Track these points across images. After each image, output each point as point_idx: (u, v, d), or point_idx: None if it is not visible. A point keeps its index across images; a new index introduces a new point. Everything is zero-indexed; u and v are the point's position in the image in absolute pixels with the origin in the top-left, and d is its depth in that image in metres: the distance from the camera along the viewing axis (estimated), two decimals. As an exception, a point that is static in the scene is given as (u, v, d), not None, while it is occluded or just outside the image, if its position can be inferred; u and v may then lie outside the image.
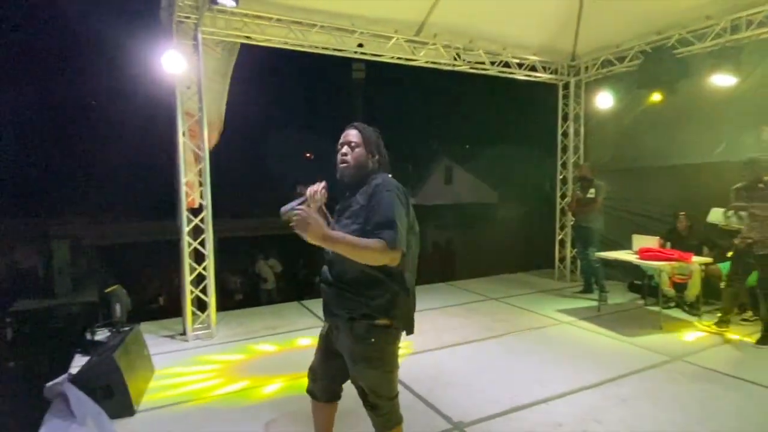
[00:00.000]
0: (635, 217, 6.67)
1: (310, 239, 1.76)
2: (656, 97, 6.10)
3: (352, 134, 2.12)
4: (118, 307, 4.50)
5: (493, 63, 6.58)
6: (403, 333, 2.10)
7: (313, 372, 2.29)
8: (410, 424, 2.99)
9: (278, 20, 5.16)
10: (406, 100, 27.79)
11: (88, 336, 4.35)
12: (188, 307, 4.82)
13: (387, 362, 2.04)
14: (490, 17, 6.04)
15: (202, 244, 4.90)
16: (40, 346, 5.57)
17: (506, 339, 4.67)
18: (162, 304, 8.93)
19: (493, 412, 3.13)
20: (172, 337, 4.90)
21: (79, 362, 3.97)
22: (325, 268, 2.11)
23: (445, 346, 4.47)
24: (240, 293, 10.89)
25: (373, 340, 1.98)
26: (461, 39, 6.25)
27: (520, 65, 6.81)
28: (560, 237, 7.48)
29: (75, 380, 3.10)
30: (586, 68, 7.15)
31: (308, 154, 23.31)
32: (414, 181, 21.25)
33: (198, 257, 4.95)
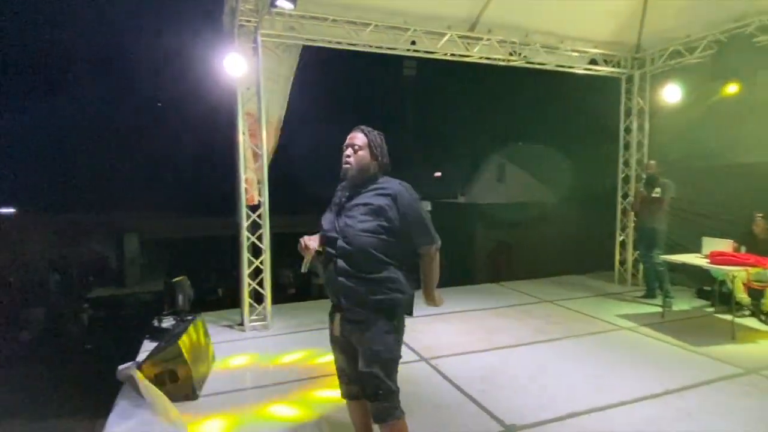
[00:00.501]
0: (703, 218, 6.23)
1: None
2: (731, 89, 5.65)
3: (356, 137, 2.23)
4: (182, 297, 4.76)
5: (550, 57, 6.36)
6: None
7: (344, 375, 2.33)
8: (460, 424, 2.99)
9: (333, 21, 5.25)
10: (458, 96, 27.45)
11: (156, 323, 4.64)
12: (246, 299, 5.03)
13: (400, 342, 2.24)
14: (548, 10, 5.85)
15: (259, 239, 5.10)
16: (113, 330, 6.03)
17: (561, 343, 4.52)
18: (220, 295, 9.38)
19: (547, 417, 3.04)
20: (230, 327, 5.13)
21: (147, 347, 4.25)
22: (341, 262, 2.13)
23: (496, 347, 4.39)
24: (292, 287, 11.23)
25: (395, 322, 2.17)
26: (517, 34, 6.08)
27: (579, 59, 6.54)
28: (621, 238, 7.12)
29: (144, 364, 3.33)
30: (652, 60, 6.74)
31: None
32: (465, 179, 20.98)
33: (255, 251, 5.15)
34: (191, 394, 3.29)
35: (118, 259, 6.62)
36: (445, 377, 3.68)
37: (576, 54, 6.48)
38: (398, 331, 2.21)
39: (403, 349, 4.20)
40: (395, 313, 2.17)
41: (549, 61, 6.36)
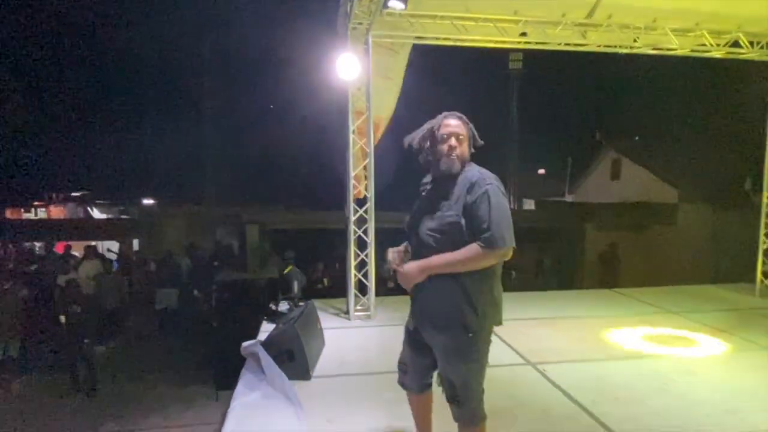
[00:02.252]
0: None
1: (412, 283, 2.03)
2: None
3: (459, 126, 2.06)
4: (296, 284, 5.12)
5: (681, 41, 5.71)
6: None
7: (403, 364, 2.34)
8: (574, 434, 2.85)
9: (442, 17, 5.24)
10: (567, 87, 25.77)
11: (272, 307, 5.05)
12: (352, 289, 5.26)
13: (484, 351, 2.07)
14: (681, -12, 5.25)
15: (365, 232, 5.29)
16: (236, 311, 6.68)
17: (688, 359, 4.06)
18: (325, 285, 9.90)
19: (673, 438, 2.78)
20: (337, 315, 5.40)
21: (265, 328, 4.65)
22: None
23: (611, 358, 4.08)
24: (391, 281, 11.48)
25: (470, 334, 1.99)
26: (642, 18, 5.54)
27: (718, 41, 5.78)
28: (766, 246, 6.19)
29: (265, 344, 3.65)
30: (816, 38, 5.74)
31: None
32: (573, 176, 19.69)
33: (361, 244, 5.36)
34: (305, 374, 3.53)
35: (240, 247, 7.32)
36: (554, 384, 3.51)
37: (713, 36, 5.74)
38: (476, 343, 2.00)
39: (508, 351, 4.15)
40: (468, 327, 1.98)
41: (681, 46, 5.71)
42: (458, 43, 5.47)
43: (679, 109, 17.25)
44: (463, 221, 1.93)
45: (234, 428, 2.90)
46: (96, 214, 21.14)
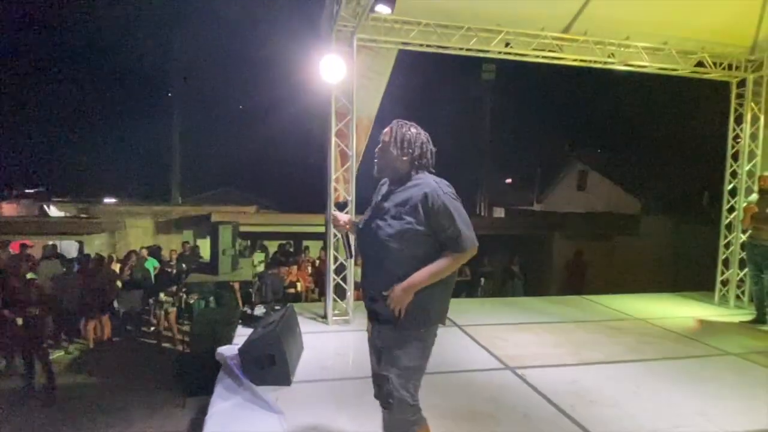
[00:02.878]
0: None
1: (404, 304, 2.00)
2: None
3: (385, 132, 2.18)
4: (270, 289, 5.02)
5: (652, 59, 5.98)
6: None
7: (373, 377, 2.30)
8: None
9: (426, 24, 5.30)
10: (537, 100, 26.53)
11: (248, 310, 4.94)
12: (330, 293, 5.20)
13: (427, 352, 2.12)
14: (652, 10, 5.50)
15: (345, 236, 5.24)
16: (205, 314, 6.48)
17: (656, 364, 4.22)
18: (298, 289, 9.77)
19: (649, 440, 2.87)
20: (314, 319, 5.32)
21: (240, 332, 4.53)
22: (368, 263, 2.16)
23: (585, 362, 4.19)
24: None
25: (422, 330, 2.08)
26: (617, 35, 5.78)
27: (684, 61, 6.08)
28: (724, 256, 6.52)
29: (244, 348, 3.55)
30: (772, 62, 6.12)
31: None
32: (542, 186, 20.24)
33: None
34: (286, 379, 3.46)
35: (212, 248, 7.13)
36: (534, 388, 3.57)
37: (680, 55, 6.05)
38: (425, 339, 2.10)
39: (487, 356, 4.19)
40: (419, 323, 2.07)
41: (650, 64, 5.98)
42: (440, 51, 5.54)
43: (642, 124, 18.05)
44: (420, 228, 2.01)
45: (213, 435, 2.81)
46: (53, 212, 20.11)
